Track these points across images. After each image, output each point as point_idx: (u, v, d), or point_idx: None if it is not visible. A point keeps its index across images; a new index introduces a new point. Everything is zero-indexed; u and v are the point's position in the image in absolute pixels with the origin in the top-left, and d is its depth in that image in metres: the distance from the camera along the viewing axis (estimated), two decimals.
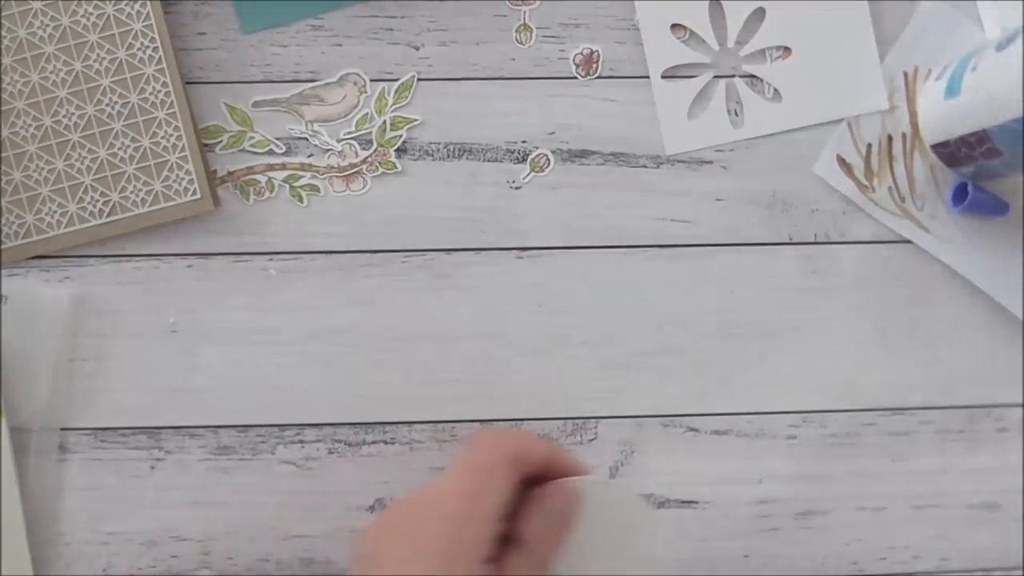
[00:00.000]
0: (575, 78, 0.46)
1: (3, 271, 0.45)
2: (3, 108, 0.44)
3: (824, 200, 0.47)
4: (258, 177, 0.46)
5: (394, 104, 0.46)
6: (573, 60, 0.46)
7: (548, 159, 0.46)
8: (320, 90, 0.46)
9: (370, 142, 0.46)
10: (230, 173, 0.46)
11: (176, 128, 0.44)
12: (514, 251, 0.46)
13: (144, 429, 0.45)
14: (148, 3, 0.44)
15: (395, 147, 0.46)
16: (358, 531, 0.38)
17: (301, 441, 0.46)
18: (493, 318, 0.46)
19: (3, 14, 0.44)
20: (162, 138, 0.44)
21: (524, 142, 0.46)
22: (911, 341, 0.47)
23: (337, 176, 0.46)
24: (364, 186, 0.46)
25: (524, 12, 0.46)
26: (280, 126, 0.46)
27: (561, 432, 0.46)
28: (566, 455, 0.37)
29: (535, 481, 0.36)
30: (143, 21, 0.44)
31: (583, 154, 0.46)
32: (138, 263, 0.45)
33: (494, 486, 0.34)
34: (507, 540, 0.34)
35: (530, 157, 0.46)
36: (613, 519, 0.37)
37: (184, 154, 0.44)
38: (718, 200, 0.47)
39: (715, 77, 0.47)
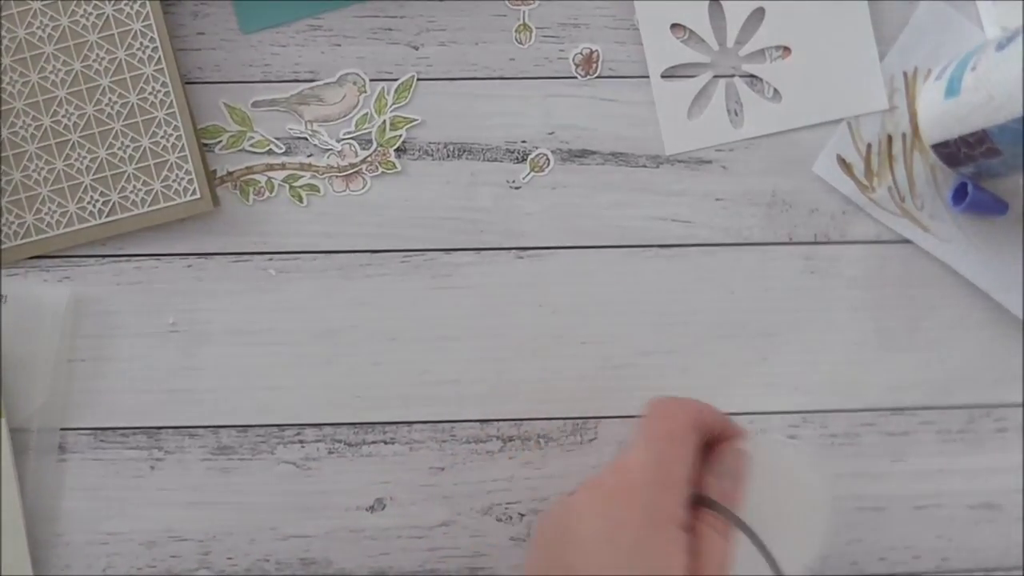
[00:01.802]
0: (575, 78, 0.46)
1: (3, 271, 0.45)
2: (3, 108, 0.44)
3: (824, 200, 0.47)
4: (258, 177, 0.46)
5: (394, 104, 0.46)
6: (573, 60, 0.46)
7: (548, 159, 0.46)
8: (319, 90, 0.46)
9: (370, 142, 0.46)
10: (229, 173, 0.46)
11: (176, 128, 0.44)
12: (514, 251, 0.46)
13: (144, 429, 0.45)
14: (147, 3, 0.44)
15: (395, 147, 0.46)
16: (539, 515, 0.37)
17: (301, 441, 0.46)
18: (493, 318, 0.46)
19: (2, 14, 0.44)
20: (161, 138, 0.44)
21: (524, 142, 0.46)
22: (911, 341, 0.47)
23: (337, 176, 0.46)
24: (364, 186, 0.46)
25: (523, 12, 0.46)
26: (279, 126, 0.46)
27: (561, 432, 0.46)
28: (726, 418, 0.38)
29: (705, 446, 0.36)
30: (142, 21, 0.44)
31: (583, 154, 0.46)
32: (138, 263, 0.45)
33: (682, 452, 0.34)
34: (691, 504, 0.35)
35: (530, 157, 0.46)
36: (780, 476, 0.38)
37: (184, 154, 0.44)
38: (718, 200, 0.47)
39: (715, 77, 0.47)
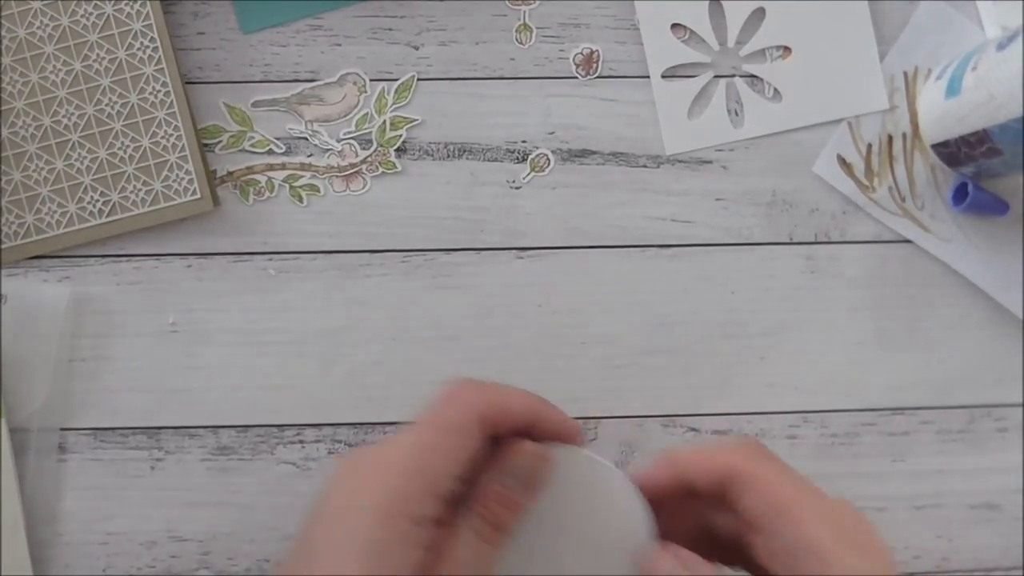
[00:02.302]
0: (575, 78, 0.46)
1: (3, 271, 0.45)
2: (3, 108, 0.44)
3: (824, 200, 0.47)
4: (258, 177, 0.46)
5: (394, 104, 0.46)
6: (573, 60, 0.46)
7: (548, 159, 0.46)
8: (320, 90, 0.46)
9: (370, 142, 0.46)
10: (230, 173, 0.46)
11: (176, 128, 0.44)
12: (514, 251, 0.46)
13: (144, 429, 0.45)
14: (148, 3, 0.44)
15: (395, 147, 0.46)
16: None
17: (301, 441, 0.46)
18: (493, 318, 0.46)
19: (3, 14, 0.44)
20: (162, 138, 0.44)
21: (524, 142, 0.46)
22: (911, 341, 0.47)
23: (337, 176, 0.46)
24: (364, 186, 0.46)
25: (524, 12, 0.46)
26: (280, 126, 0.46)
27: None
28: (555, 415, 0.33)
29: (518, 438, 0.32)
30: (142, 21, 0.44)
31: (583, 154, 0.46)
32: (138, 263, 0.45)
33: (454, 443, 0.30)
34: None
35: (530, 157, 0.46)
36: (589, 496, 0.33)
37: (184, 154, 0.44)
38: (718, 200, 0.47)
39: (715, 77, 0.47)
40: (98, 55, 0.44)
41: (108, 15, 0.44)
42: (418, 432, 0.31)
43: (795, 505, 0.31)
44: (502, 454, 0.32)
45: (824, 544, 0.30)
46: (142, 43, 0.44)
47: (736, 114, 0.47)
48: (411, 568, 0.29)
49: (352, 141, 0.46)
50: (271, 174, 0.46)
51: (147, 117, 0.44)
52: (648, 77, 0.46)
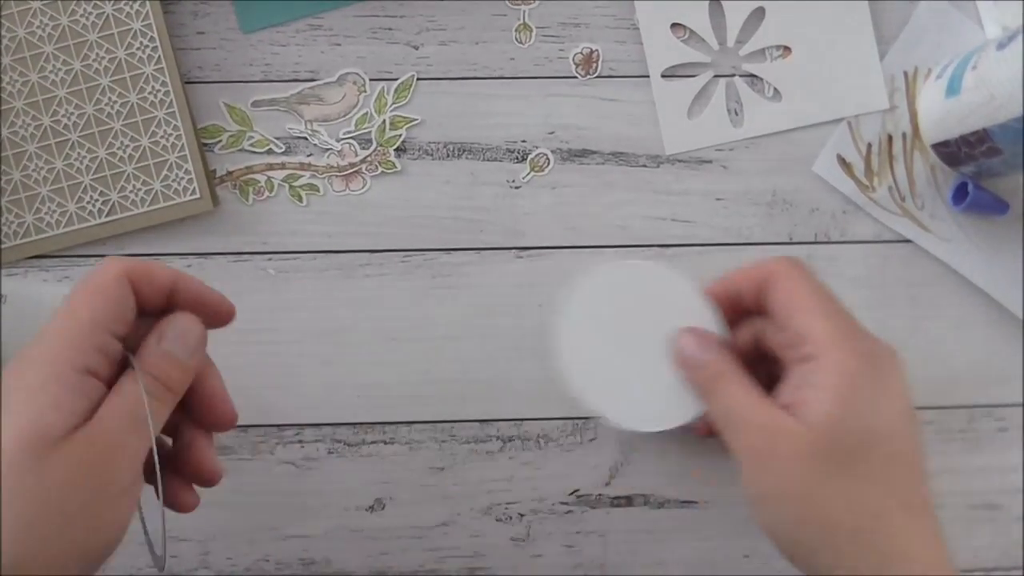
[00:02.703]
0: (575, 77, 0.46)
1: (3, 270, 0.45)
2: (3, 107, 0.44)
3: (824, 200, 0.47)
4: (257, 177, 0.46)
5: (393, 103, 0.46)
6: (573, 59, 0.46)
7: (548, 158, 0.46)
8: (319, 89, 0.46)
9: (369, 141, 0.46)
10: (229, 173, 0.46)
11: (175, 128, 0.44)
12: (514, 250, 0.46)
13: None
14: (147, 2, 0.44)
15: (394, 146, 0.46)
16: None
17: (300, 441, 0.45)
18: (493, 318, 0.46)
19: (3, 13, 0.44)
20: (161, 137, 0.44)
21: (524, 141, 0.46)
22: (911, 341, 0.47)
23: (336, 175, 0.46)
24: (363, 185, 0.46)
25: (524, 11, 0.46)
26: (279, 125, 0.46)
27: (561, 432, 0.46)
28: (201, 286, 0.36)
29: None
30: (142, 20, 0.44)
31: (583, 153, 0.46)
32: None
33: (101, 296, 0.33)
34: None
35: (530, 156, 0.46)
36: (665, 302, 0.38)
37: (183, 153, 0.44)
38: (718, 200, 0.47)
39: (715, 76, 0.47)
40: (98, 55, 0.44)
41: (108, 15, 0.44)
42: (70, 297, 0.33)
43: (807, 301, 0.35)
44: (159, 323, 0.34)
45: (818, 335, 0.34)
46: (142, 43, 0.44)
47: (736, 114, 0.47)
48: (77, 416, 0.31)
49: (352, 141, 0.46)
50: (271, 174, 0.46)
51: (147, 117, 0.44)
52: (648, 77, 0.46)
